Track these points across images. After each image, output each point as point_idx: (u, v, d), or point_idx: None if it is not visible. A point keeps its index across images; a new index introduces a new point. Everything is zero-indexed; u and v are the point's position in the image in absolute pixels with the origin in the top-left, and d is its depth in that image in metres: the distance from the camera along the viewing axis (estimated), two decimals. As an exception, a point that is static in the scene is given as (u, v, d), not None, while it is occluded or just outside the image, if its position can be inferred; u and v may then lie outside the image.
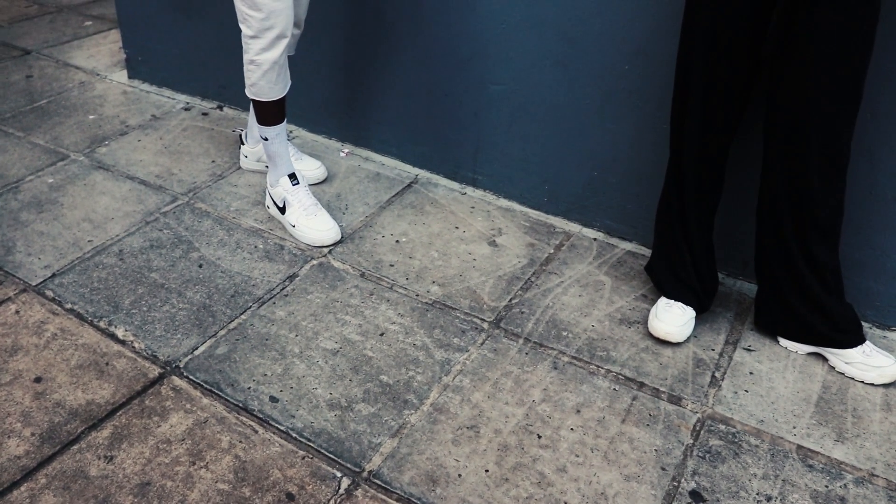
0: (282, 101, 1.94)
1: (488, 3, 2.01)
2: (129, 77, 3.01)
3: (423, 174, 2.35)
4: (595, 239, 2.10)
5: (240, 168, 2.35)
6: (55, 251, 1.98)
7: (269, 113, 1.94)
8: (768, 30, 1.51)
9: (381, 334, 1.72)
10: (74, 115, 2.71)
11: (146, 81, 2.97)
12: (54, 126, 2.63)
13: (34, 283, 1.86)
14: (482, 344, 1.71)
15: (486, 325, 1.77)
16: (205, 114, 2.71)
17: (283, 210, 2.02)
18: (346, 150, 2.45)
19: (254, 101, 1.94)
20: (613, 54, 1.90)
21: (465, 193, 2.27)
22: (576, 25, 1.92)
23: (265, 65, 1.83)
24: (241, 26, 1.82)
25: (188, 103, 2.79)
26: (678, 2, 1.74)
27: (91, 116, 2.70)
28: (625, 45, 1.88)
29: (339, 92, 2.40)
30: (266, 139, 1.99)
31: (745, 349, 1.75)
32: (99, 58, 3.26)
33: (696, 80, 1.57)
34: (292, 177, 2.02)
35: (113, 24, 3.67)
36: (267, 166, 2.17)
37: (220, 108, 2.74)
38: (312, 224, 1.98)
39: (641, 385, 1.63)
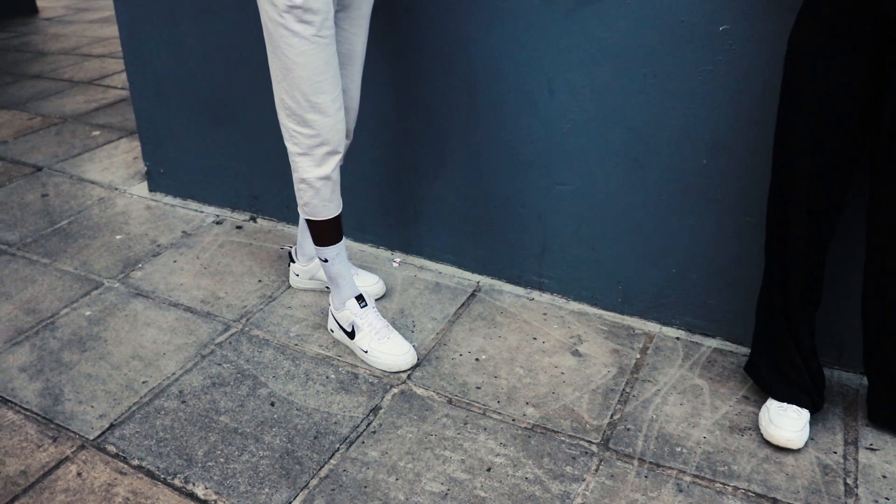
0: (338, 218, 1.83)
1: (551, 104, 1.95)
2: (151, 190, 2.90)
3: (485, 281, 2.24)
4: (678, 338, 2.00)
5: (290, 287, 2.22)
6: (108, 396, 1.81)
7: (326, 232, 1.83)
8: (880, 104, 1.44)
9: (489, 469, 1.58)
10: (100, 236, 2.58)
11: (169, 194, 2.85)
12: (81, 250, 2.49)
13: (92, 438, 1.69)
14: (596, 470, 1.58)
15: (594, 448, 1.63)
16: (239, 227, 2.59)
17: (351, 335, 1.89)
18: (398, 260, 2.34)
19: (308, 220, 1.83)
20: (690, 150, 1.84)
21: (533, 299, 2.16)
22: (648, 122, 1.86)
23: (317, 183, 1.73)
24: (288, 144, 1.72)
25: (218, 216, 2.68)
26: (761, 91, 1.69)
27: (118, 236, 2.57)
28: (703, 139, 1.81)
29: (388, 197, 2.30)
30: (325, 260, 1.87)
31: (868, 449, 1.63)
32: (114, 170, 3.14)
33: (800, 168, 1.50)
34: (360, 298, 1.89)
35: (122, 133, 3.58)
36: (328, 287, 2.04)
37: (254, 219, 2.63)
38: (387, 348, 1.85)
39: (775, 501, 1.50)
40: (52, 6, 7.68)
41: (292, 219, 2.56)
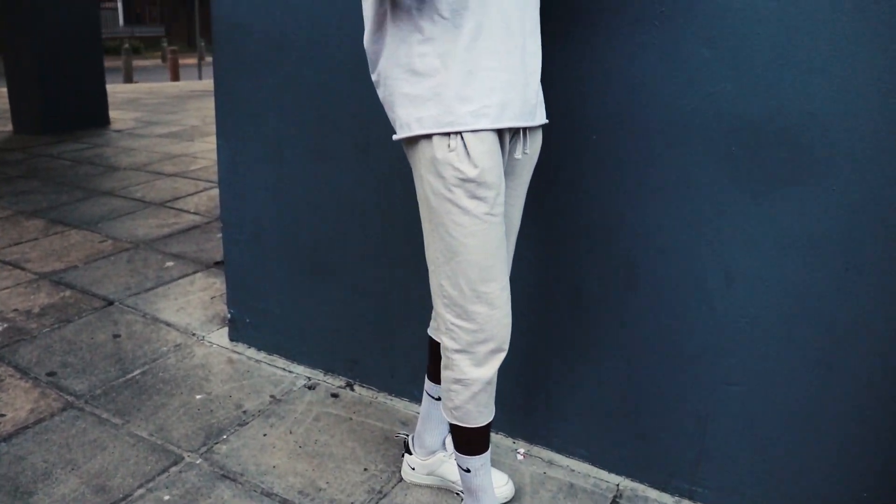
0: (489, 424, 1.54)
1: (727, 293, 1.69)
2: (232, 339, 2.65)
3: (626, 484, 1.91)
4: (876, 583, 1.63)
5: (402, 480, 1.91)
6: None
7: (475, 440, 1.54)
8: None
9: None
10: (178, 394, 2.31)
11: (253, 346, 2.60)
12: (157, 410, 2.22)
13: None
14: None
15: None
16: (335, 395, 2.31)
17: (490, 556, 1.56)
18: (523, 452, 2.02)
19: (453, 425, 1.54)
20: (893, 354, 1.55)
21: (689, 513, 1.82)
22: (846, 322, 1.58)
23: (475, 385, 1.45)
24: (443, 337, 1.46)
25: (310, 379, 2.41)
26: None
27: (198, 396, 2.30)
28: (920, 350, 1.52)
29: (517, 379, 2.02)
30: (468, 470, 1.57)
31: None
32: (191, 311, 2.91)
33: None
34: (502, 514, 1.58)
35: (198, 266, 3.38)
36: (461, 492, 1.73)
37: (351, 386, 2.35)
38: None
39: None
40: (122, 118, 7.82)
41: (395, 389, 2.27)
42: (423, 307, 2.04)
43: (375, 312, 2.25)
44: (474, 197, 1.32)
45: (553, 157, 1.74)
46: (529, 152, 1.48)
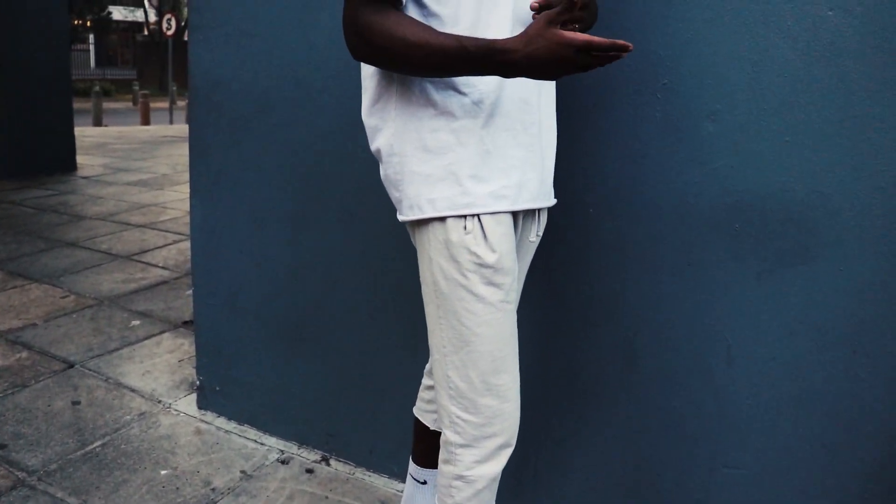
0: None
1: (728, 374, 1.62)
2: (200, 408, 2.50)
3: (623, 574, 1.80)
4: None
5: (384, 571, 1.77)
6: None
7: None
8: None
9: None
10: (141, 469, 2.15)
11: (223, 415, 2.46)
12: (117, 487, 2.06)
13: None
14: None
15: None
16: (310, 470, 2.17)
17: None
18: (513, 535, 1.90)
19: None
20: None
21: None
22: (854, 407, 1.52)
23: (480, 482, 1.33)
24: (446, 430, 1.35)
25: (283, 452, 2.27)
26: None
27: (163, 472, 2.15)
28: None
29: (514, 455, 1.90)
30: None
31: None
32: (157, 374, 2.76)
33: None
34: None
35: (165, 325, 3.24)
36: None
37: (327, 461, 2.21)
38: None
39: None
40: (90, 164, 7.66)
41: (375, 465, 2.15)
42: (406, 381, 1.94)
43: (356, 384, 2.14)
44: (490, 283, 1.23)
45: (551, 231, 1.67)
46: (541, 233, 1.41)
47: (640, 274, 1.67)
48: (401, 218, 1.29)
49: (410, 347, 1.98)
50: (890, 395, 1.49)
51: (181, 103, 19.82)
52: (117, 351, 2.97)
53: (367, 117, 1.30)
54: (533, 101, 1.25)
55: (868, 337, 1.49)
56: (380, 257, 2.00)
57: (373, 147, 1.31)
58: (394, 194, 1.29)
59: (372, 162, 1.91)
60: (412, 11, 1.19)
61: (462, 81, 1.19)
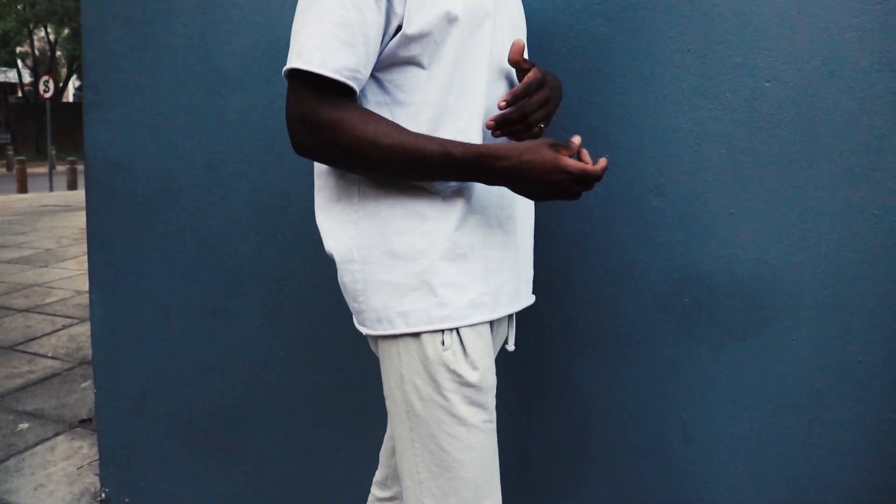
0: None
1: (686, 452, 1.57)
2: (107, 523, 2.24)
3: None
4: None
5: None
6: None
7: None
8: None
9: None
10: None
11: (135, 531, 2.20)
12: None
13: None
14: None
15: None
16: (239, 589, 1.96)
17: None
18: None
19: None
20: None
21: None
22: (814, 479, 1.49)
23: None
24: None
25: (207, 568, 2.04)
26: None
27: None
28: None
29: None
30: None
31: None
32: (53, 488, 2.47)
33: None
34: None
35: (59, 426, 2.93)
36: None
37: (258, 575, 2.00)
38: None
39: None
40: (-39, 241, 7.06)
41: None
42: (342, 493, 1.79)
43: (284, 495, 1.96)
44: (473, 404, 1.10)
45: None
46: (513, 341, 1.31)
47: (589, 355, 1.61)
48: (364, 331, 1.15)
49: (347, 452, 1.83)
50: (850, 462, 1.46)
51: (61, 168, 18.84)
52: (3, 463, 2.64)
53: (324, 218, 1.16)
54: (507, 194, 1.16)
55: (824, 406, 1.47)
56: (306, 356, 1.85)
57: (327, 247, 1.16)
58: (352, 305, 1.15)
59: (296, 246, 1.78)
60: (372, 98, 1.09)
61: (437, 182, 1.09)
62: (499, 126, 1.06)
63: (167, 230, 1.96)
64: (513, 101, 1.06)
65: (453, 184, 1.09)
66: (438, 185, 1.09)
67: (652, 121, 1.47)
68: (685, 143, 1.46)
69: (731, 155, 1.43)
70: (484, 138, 1.10)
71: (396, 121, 1.07)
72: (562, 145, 1.03)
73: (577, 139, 1.04)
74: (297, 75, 1.02)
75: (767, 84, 1.39)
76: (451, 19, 1.03)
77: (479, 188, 1.12)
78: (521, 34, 1.22)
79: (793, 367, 1.47)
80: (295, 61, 1.01)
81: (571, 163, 1.00)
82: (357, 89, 1.04)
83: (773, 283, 1.46)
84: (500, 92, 1.14)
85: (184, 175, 1.91)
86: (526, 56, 1.12)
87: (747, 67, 1.39)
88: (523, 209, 1.23)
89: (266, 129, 1.79)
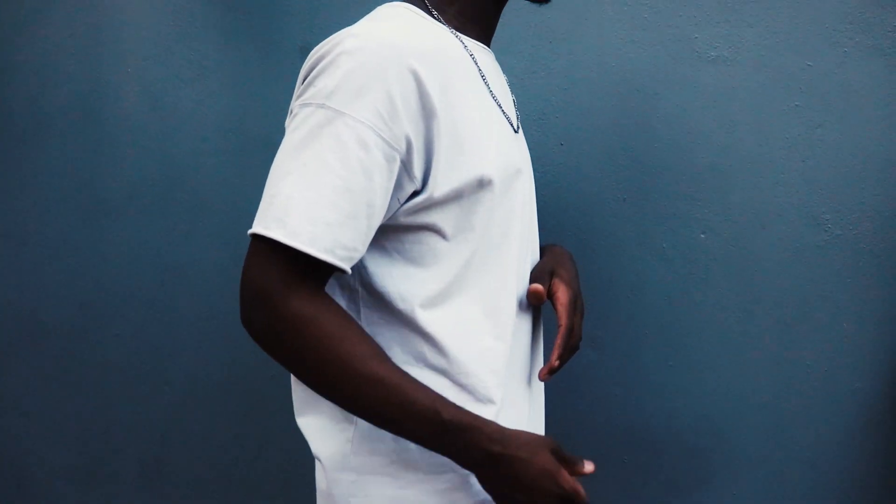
0: None
1: None
2: None
3: None
4: None
5: None
6: None
7: None
8: None
9: None
10: None
11: None
12: None
13: None
14: None
15: None
16: None
17: None
18: None
19: None
20: None
21: None
22: None
23: None
24: None
25: None
26: None
27: None
28: None
29: None
30: None
31: None
32: None
33: None
34: None
35: None
36: None
37: None
38: None
39: None
40: None
41: None
42: None
43: None
44: None
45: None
46: None
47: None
48: None
49: None
50: None
51: None
52: None
53: (314, 414, 0.91)
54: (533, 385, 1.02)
55: None
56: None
57: (313, 449, 0.91)
58: None
59: (193, 408, 1.56)
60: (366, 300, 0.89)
61: (459, 370, 0.88)
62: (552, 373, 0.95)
63: (27, 376, 1.67)
64: (560, 357, 0.95)
65: (483, 376, 0.90)
66: (462, 378, 0.89)
67: (588, 271, 1.41)
68: (622, 294, 1.40)
69: (667, 306, 1.39)
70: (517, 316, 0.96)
71: (399, 288, 0.87)
72: (567, 458, 0.87)
73: (590, 467, 0.89)
74: (269, 240, 0.78)
75: (703, 236, 1.36)
76: (484, 184, 0.87)
77: (510, 382, 0.94)
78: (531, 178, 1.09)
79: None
80: (273, 228, 0.77)
81: (569, 481, 0.85)
82: (349, 271, 0.82)
83: (713, 438, 1.41)
84: (528, 264, 1.01)
85: (49, 315, 1.65)
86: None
87: (683, 219, 1.37)
88: (538, 393, 1.07)
89: (156, 267, 1.57)
